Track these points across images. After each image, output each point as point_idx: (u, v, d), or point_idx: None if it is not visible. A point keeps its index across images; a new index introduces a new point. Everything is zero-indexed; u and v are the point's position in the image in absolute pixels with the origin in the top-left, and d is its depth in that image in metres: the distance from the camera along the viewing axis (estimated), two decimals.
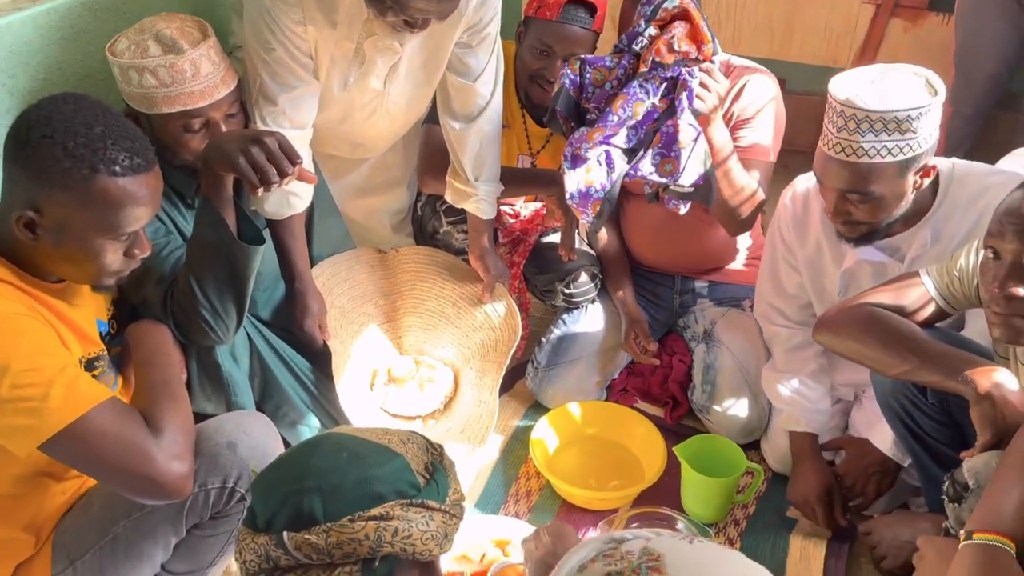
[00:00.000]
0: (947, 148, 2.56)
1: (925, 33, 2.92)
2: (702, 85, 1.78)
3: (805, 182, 1.82)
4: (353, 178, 2.18)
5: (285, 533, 0.85)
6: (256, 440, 1.32)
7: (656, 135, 1.83)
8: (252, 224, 1.51)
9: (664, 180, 1.84)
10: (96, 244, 1.23)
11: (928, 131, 1.52)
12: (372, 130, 1.99)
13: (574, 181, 1.85)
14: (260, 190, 1.40)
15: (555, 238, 2.24)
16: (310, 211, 1.87)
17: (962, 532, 1.18)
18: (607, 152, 1.85)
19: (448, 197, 2.05)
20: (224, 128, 1.55)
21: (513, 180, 2.08)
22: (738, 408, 2.01)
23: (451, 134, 1.94)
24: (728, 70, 1.98)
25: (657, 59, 1.77)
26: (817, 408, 1.88)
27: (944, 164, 1.66)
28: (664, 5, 1.78)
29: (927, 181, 1.59)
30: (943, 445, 1.53)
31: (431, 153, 2.10)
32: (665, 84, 1.80)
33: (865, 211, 1.59)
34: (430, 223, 2.24)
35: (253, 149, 1.38)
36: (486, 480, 1.97)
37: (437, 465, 0.96)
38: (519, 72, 2.11)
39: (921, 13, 2.92)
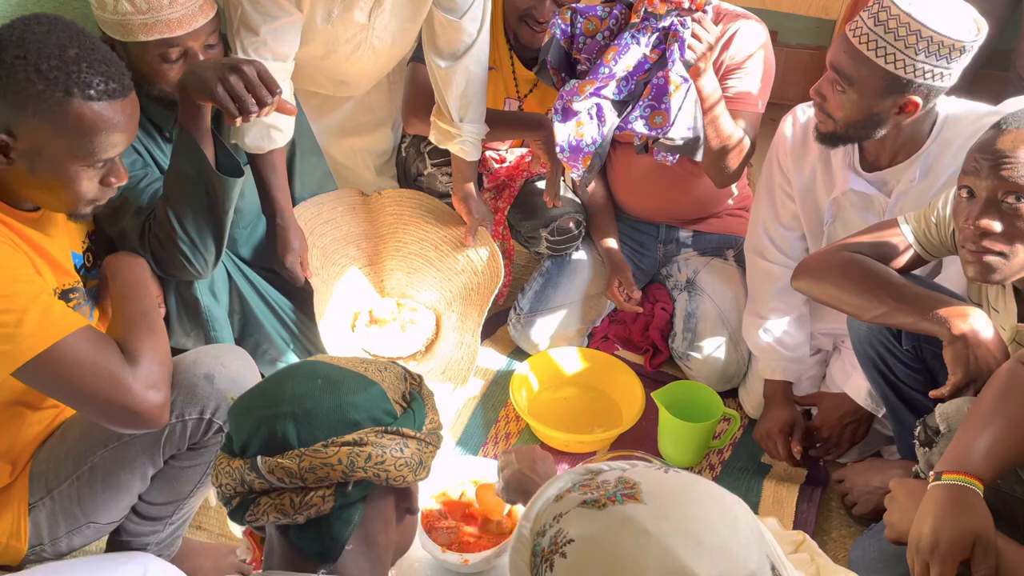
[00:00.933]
0: None
1: None
2: (694, 35, 1.76)
3: (805, 110, 1.81)
4: (336, 117, 2.14)
5: (259, 458, 0.85)
6: (234, 372, 1.31)
7: (647, 87, 1.82)
8: (231, 155, 1.48)
9: (653, 133, 1.83)
10: (71, 171, 1.20)
11: (933, 69, 1.48)
12: (356, 66, 1.95)
13: (564, 134, 1.84)
14: (239, 120, 1.37)
15: (541, 184, 2.22)
16: (292, 149, 1.85)
17: (931, 473, 1.21)
18: (598, 105, 1.84)
19: (432, 137, 2.02)
20: (203, 58, 1.51)
21: (499, 123, 2.05)
22: (717, 355, 2.03)
23: (436, 72, 1.91)
24: (718, 16, 1.96)
25: (650, 9, 1.75)
26: (794, 357, 1.90)
27: (944, 106, 1.64)
28: None
29: (906, 119, 1.57)
30: (916, 392, 1.55)
31: (417, 92, 2.07)
32: (657, 35, 1.78)
33: (835, 101, 1.58)
34: (414, 165, 2.22)
35: (231, 77, 1.34)
36: (466, 422, 1.99)
37: (415, 395, 0.96)
38: (507, 12, 2.07)
39: None
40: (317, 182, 2.00)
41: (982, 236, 1.28)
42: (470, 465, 1.73)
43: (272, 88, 1.37)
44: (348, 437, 0.86)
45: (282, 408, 0.87)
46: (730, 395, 2.05)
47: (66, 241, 1.37)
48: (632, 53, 1.77)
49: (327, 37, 1.81)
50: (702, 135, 1.85)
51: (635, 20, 1.78)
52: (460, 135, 1.95)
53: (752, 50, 1.95)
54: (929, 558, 1.13)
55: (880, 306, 1.46)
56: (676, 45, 1.76)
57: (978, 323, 1.34)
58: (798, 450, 1.82)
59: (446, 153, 2.06)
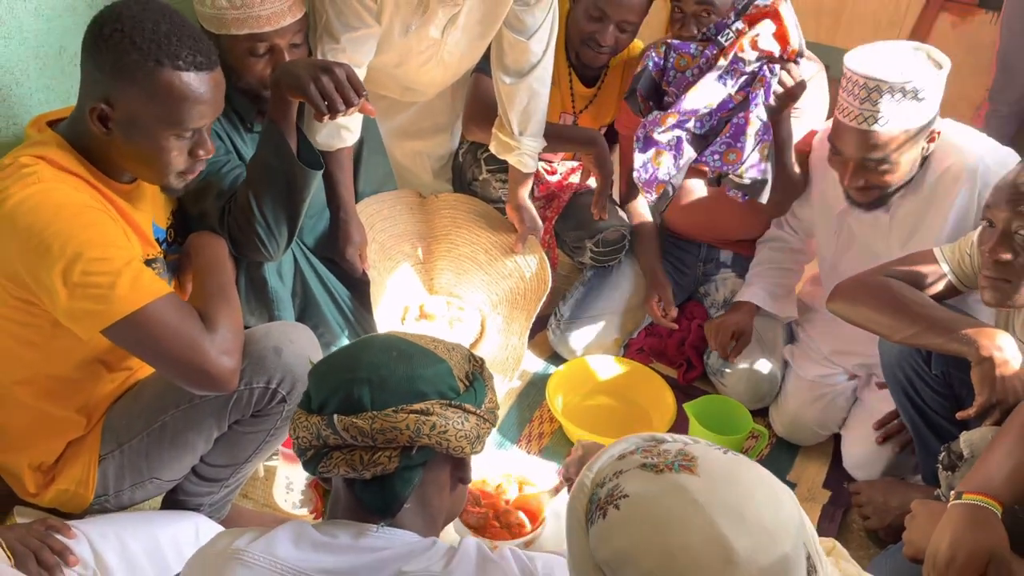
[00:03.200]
0: None
1: (973, 30, 2.93)
2: (781, 83, 1.85)
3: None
4: (401, 120, 2.24)
5: (335, 416, 0.93)
6: (300, 348, 1.40)
7: (727, 125, 1.91)
8: (312, 149, 1.58)
9: (725, 168, 1.92)
10: (162, 138, 1.29)
11: (936, 100, 1.65)
12: (425, 76, 2.06)
13: (642, 161, 1.94)
14: (326, 117, 1.47)
15: (589, 197, 2.30)
16: (359, 147, 1.95)
17: (952, 493, 1.26)
18: (679, 138, 1.93)
19: (492, 148, 2.11)
20: (287, 56, 1.61)
21: (553, 136, 2.13)
22: (751, 374, 2.08)
23: (501, 88, 2.01)
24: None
25: (739, 54, 1.84)
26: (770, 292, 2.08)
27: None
28: (756, 2, 1.84)
29: (932, 146, 1.71)
30: (942, 418, 1.60)
31: (478, 102, 2.17)
32: (744, 78, 1.86)
33: (881, 177, 1.69)
34: (470, 170, 2.31)
35: (323, 77, 1.44)
36: (502, 419, 2.06)
37: (477, 375, 1.03)
38: (570, 32, 2.16)
39: (970, 9, 2.93)
40: (379, 180, 2.10)
41: (995, 264, 1.36)
42: (507, 459, 1.81)
43: (359, 90, 1.47)
44: (416, 406, 0.94)
45: (360, 374, 0.95)
46: (760, 413, 2.11)
47: (150, 215, 1.47)
48: (716, 92, 1.87)
49: (402, 49, 1.91)
50: (770, 179, 1.95)
51: (723, 62, 1.86)
52: (519, 148, 2.04)
53: (816, 96, 2.03)
54: (945, 572, 1.18)
55: (911, 327, 1.52)
56: (761, 90, 1.85)
57: (1005, 346, 1.39)
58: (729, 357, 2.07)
59: (501, 161, 2.15)
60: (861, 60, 1.66)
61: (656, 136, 1.90)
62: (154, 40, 1.23)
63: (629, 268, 2.33)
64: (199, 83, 1.27)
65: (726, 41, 1.87)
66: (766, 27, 1.83)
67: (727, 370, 2.10)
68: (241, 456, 1.48)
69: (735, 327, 2.08)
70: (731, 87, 1.87)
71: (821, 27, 3.08)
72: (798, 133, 2.00)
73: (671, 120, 1.88)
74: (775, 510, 0.77)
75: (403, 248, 2.18)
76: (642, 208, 2.35)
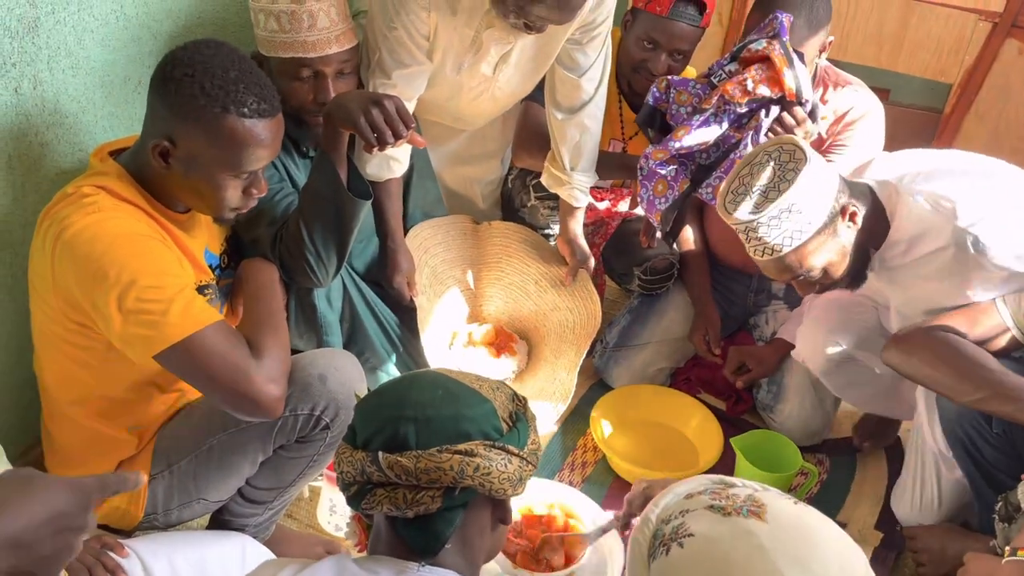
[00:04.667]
0: None
1: None
2: (782, 125, 1.81)
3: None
4: (452, 146, 2.26)
5: (380, 453, 0.94)
6: (345, 376, 1.42)
7: (726, 159, 1.90)
8: (361, 179, 1.61)
9: (711, 203, 1.91)
10: (219, 179, 1.33)
11: (818, 194, 1.52)
12: (476, 109, 2.08)
13: (645, 190, 1.96)
14: (375, 149, 1.49)
15: (638, 224, 2.29)
16: (409, 172, 1.97)
17: (1007, 548, 1.21)
18: (677, 170, 1.94)
19: (544, 181, 2.12)
20: (333, 84, 1.64)
21: (602, 164, 2.13)
22: (802, 410, 2.04)
23: (553, 123, 2.02)
24: (823, 82, 2.01)
25: (726, 97, 1.83)
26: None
27: (881, 186, 1.64)
28: (751, 45, 1.82)
29: (859, 217, 1.58)
30: (1003, 473, 1.53)
31: (528, 130, 2.18)
32: (742, 117, 1.85)
33: (824, 280, 1.62)
34: (518, 196, 2.32)
35: (374, 110, 1.47)
36: (544, 448, 2.06)
37: (520, 415, 1.03)
38: (622, 60, 2.16)
39: None
40: (429, 205, 2.12)
41: None
42: (547, 489, 1.80)
43: (408, 122, 1.49)
44: (460, 447, 0.94)
45: (406, 412, 0.95)
46: (809, 450, 2.06)
47: (204, 242, 1.51)
48: (705, 133, 1.86)
49: (453, 84, 1.93)
50: None
51: (708, 106, 1.85)
52: (570, 183, 2.05)
53: (856, 127, 2.00)
54: None
55: (976, 392, 1.44)
56: (752, 132, 1.83)
57: None
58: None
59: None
60: (725, 207, 1.57)
61: (654, 167, 1.92)
62: (222, 87, 1.27)
63: (677, 296, 2.31)
64: (261, 129, 1.31)
65: (717, 81, 1.87)
66: (757, 72, 1.81)
67: (777, 405, 2.06)
68: (286, 480, 1.51)
69: (752, 356, 2.07)
70: (723, 127, 1.86)
71: (883, 52, 3.01)
72: (844, 168, 1.96)
73: (661, 156, 1.90)
74: (842, 565, 0.76)
75: (454, 273, 2.20)
76: (691, 236, 2.33)
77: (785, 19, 1.80)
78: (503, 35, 1.77)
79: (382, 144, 1.49)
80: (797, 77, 1.79)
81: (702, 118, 1.85)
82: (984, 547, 1.46)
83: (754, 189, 1.54)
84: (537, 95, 2.13)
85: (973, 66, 2.93)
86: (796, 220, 1.51)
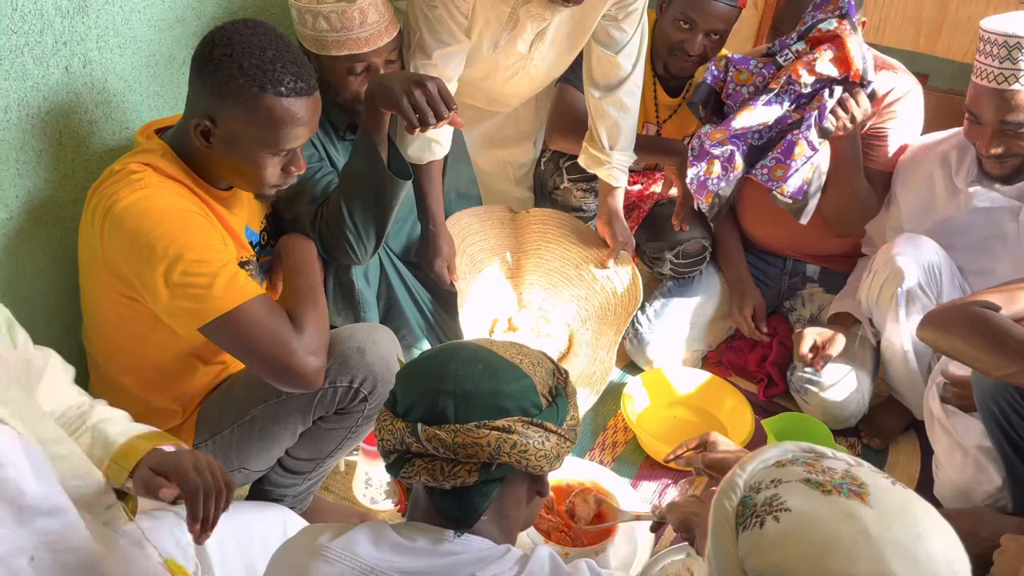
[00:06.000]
0: None
1: None
2: (843, 106, 1.81)
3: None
4: (485, 128, 2.28)
5: (419, 425, 0.94)
6: (383, 350, 1.44)
7: (782, 140, 1.89)
8: (401, 159, 1.63)
9: (769, 184, 1.90)
10: (259, 156, 1.36)
11: None
12: (511, 88, 2.09)
13: (695, 171, 1.95)
14: (418, 129, 1.51)
15: (670, 207, 2.29)
16: (444, 155, 1.99)
17: None
18: (731, 151, 1.93)
19: (582, 162, 2.12)
20: (383, 72, 1.66)
21: (636, 147, 2.13)
22: (838, 394, 2.02)
23: (591, 101, 2.02)
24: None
25: (794, 78, 1.82)
26: None
27: None
28: (820, 25, 1.81)
29: None
30: None
31: (562, 112, 2.19)
32: (802, 97, 1.84)
33: (1017, 144, 1.66)
34: (551, 179, 2.33)
35: (416, 91, 1.49)
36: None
37: (560, 390, 1.02)
38: (657, 42, 2.16)
39: None
40: (463, 187, 2.14)
41: None
42: (583, 468, 1.82)
43: (450, 104, 1.51)
44: (499, 423, 0.94)
45: (445, 386, 0.95)
46: (843, 434, 2.05)
47: (244, 219, 1.55)
48: (767, 113, 1.85)
49: (490, 63, 1.95)
50: (811, 203, 1.92)
51: (775, 86, 1.84)
52: (610, 162, 2.05)
53: (897, 108, 1.99)
54: None
55: (1010, 365, 1.43)
56: (815, 112, 1.82)
57: None
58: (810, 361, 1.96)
59: (583, 170, 2.16)
60: (999, 20, 1.63)
61: (709, 148, 1.91)
62: (260, 67, 1.30)
63: (709, 280, 2.31)
64: (298, 107, 1.34)
65: (784, 61, 1.86)
66: (826, 52, 1.80)
67: (812, 389, 2.05)
68: (324, 451, 1.54)
69: (820, 335, 1.99)
70: (785, 107, 1.86)
71: (921, 36, 2.97)
72: (884, 151, 1.96)
73: (720, 136, 1.89)
74: (949, 559, 0.74)
75: (493, 261, 2.20)
76: (730, 246, 2.31)
77: None
78: (539, 11, 1.78)
79: (424, 125, 1.50)
80: (864, 58, 1.79)
81: (767, 97, 1.84)
82: (1018, 529, 1.46)
83: None
84: (571, 77, 2.14)
85: None
86: None
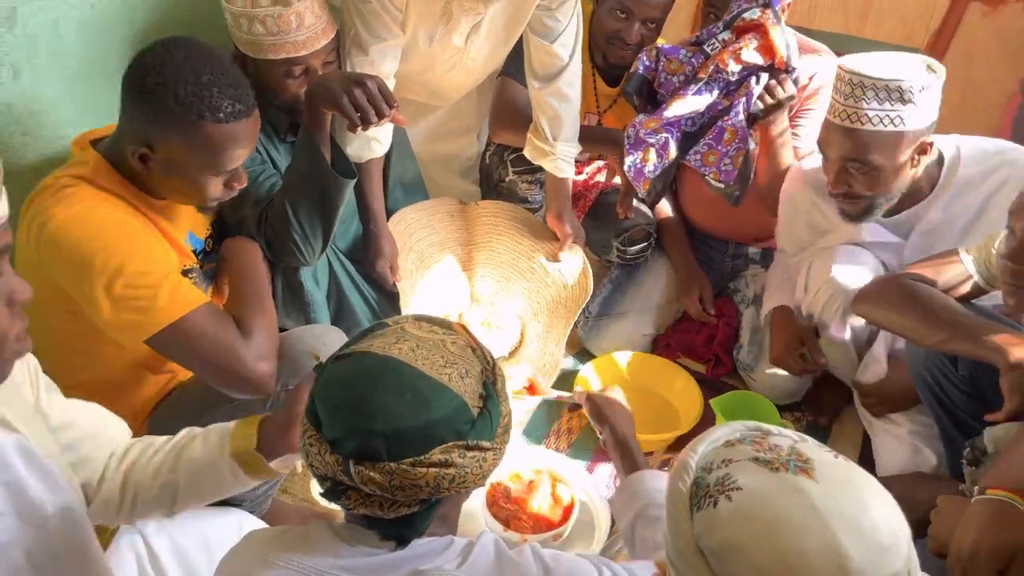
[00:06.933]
0: (1013, 138, 2.56)
1: (1004, 20, 2.88)
2: (769, 92, 1.87)
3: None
4: (427, 123, 2.29)
5: (352, 466, 0.88)
6: (332, 351, 1.43)
7: (713, 126, 1.94)
8: (345, 159, 1.63)
9: (701, 170, 1.97)
10: (200, 178, 1.35)
11: (927, 108, 1.61)
12: (450, 82, 2.10)
13: (631, 159, 1.99)
14: (359, 128, 1.51)
15: (614, 196, 2.33)
16: (387, 151, 1.99)
17: (976, 488, 1.27)
18: (666, 139, 1.98)
19: (527, 153, 2.14)
20: (322, 73, 1.66)
21: (582, 137, 2.15)
22: (783, 370, 2.06)
23: (532, 93, 2.04)
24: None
25: (721, 66, 1.87)
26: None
27: (948, 144, 1.72)
28: (743, 15, 1.86)
29: (924, 160, 1.66)
30: (968, 416, 1.60)
31: (504, 105, 2.20)
32: (731, 85, 1.89)
33: (864, 182, 1.67)
34: (497, 172, 2.35)
35: (356, 90, 1.49)
36: (531, 414, 2.10)
37: (491, 389, 0.97)
38: (594, 32, 2.19)
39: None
40: (409, 182, 2.14)
41: (1015, 274, 1.35)
42: (540, 454, 1.85)
43: (390, 102, 1.52)
44: (435, 457, 0.89)
45: (374, 425, 0.88)
46: (787, 409, 2.12)
47: (189, 227, 1.53)
48: (697, 102, 1.90)
49: (427, 57, 1.95)
50: (741, 190, 1.96)
51: (703, 75, 1.89)
52: (554, 153, 2.07)
53: (821, 93, 2.05)
54: (969, 567, 1.19)
55: (939, 333, 1.51)
56: (743, 100, 1.87)
57: None
58: (823, 362, 1.91)
59: (528, 162, 2.18)
60: (853, 60, 1.64)
61: (643, 136, 1.96)
62: (196, 94, 1.27)
63: (656, 265, 2.36)
64: (238, 130, 1.32)
65: (711, 51, 1.91)
66: (751, 41, 1.85)
67: (759, 367, 2.11)
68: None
69: (799, 335, 1.96)
70: (714, 94, 1.91)
71: (849, 19, 3.05)
72: (811, 131, 2.02)
73: (653, 125, 1.94)
74: (890, 526, 0.77)
75: (443, 256, 2.20)
76: (667, 204, 2.37)
77: None
78: (472, 4, 1.79)
79: (365, 124, 1.51)
80: (788, 45, 1.84)
81: (696, 87, 1.88)
82: (953, 491, 1.53)
83: (893, 61, 1.61)
84: (512, 71, 2.16)
85: (939, 31, 2.98)
86: (900, 109, 1.58)
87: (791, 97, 1.90)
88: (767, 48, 1.84)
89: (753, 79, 1.86)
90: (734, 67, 1.86)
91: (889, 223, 1.79)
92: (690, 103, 1.90)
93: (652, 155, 1.99)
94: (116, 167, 1.37)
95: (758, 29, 1.85)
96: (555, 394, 1.90)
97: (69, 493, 0.99)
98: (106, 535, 1.49)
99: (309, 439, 0.92)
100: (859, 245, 1.87)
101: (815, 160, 1.88)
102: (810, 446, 0.83)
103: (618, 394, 1.54)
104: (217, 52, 1.35)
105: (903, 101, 1.58)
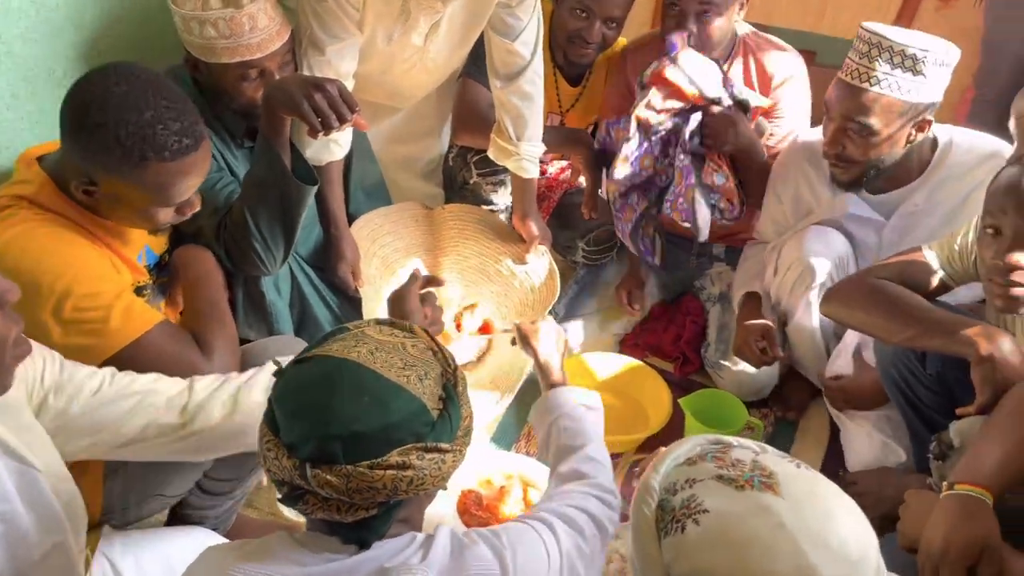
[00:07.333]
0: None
1: (957, 14, 2.94)
2: (706, 125, 1.93)
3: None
4: (388, 125, 2.25)
5: (308, 469, 0.88)
6: None
7: (670, 174, 2.03)
8: (306, 164, 1.60)
9: (672, 215, 2.04)
10: (150, 211, 1.31)
11: (936, 85, 1.65)
12: (410, 81, 2.07)
13: (623, 227, 2.13)
14: (320, 134, 1.48)
15: (579, 196, 2.32)
16: (348, 154, 1.96)
17: (944, 483, 1.28)
18: (637, 195, 2.09)
19: (491, 154, 2.11)
20: (278, 76, 1.62)
21: (545, 138, 2.14)
22: (749, 367, 2.08)
23: (495, 92, 2.02)
24: (748, 48, 2.06)
25: (640, 122, 1.96)
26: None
27: (943, 132, 1.75)
28: (647, 71, 1.95)
29: (921, 136, 1.70)
30: (936, 413, 1.62)
31: (466, 107, 2.18)
32: (667, 134, 1.98)
33: (859, 145, 1.70)
34: (460, 174, 2.32)
35: (316, 95, 1.45)
36: (501, 419, 2.09)
37: (451, 391, 0.96)
38: (555, 31, 2.17)
39: None
40: (371, 185, 2.11)
41: (1010, 271, 1.34)
42: (510, 459, 1.83)
43: (352, 105, 1.48)
44: (392, 460, 0.89)
45: (331, 429, 0.88)
46: (755, 405, 2.13)
47: (142, 243, 1.48)
48: (640, 158, 2.00)
49: (385, 57, 1.92)
50: (700, 220, 2.01)
51: (629, 135, 1.97)
52: (518, 153, 2.05)
53: (787, 88, 2.08)
54: (939, 563, 1.20)
55: (908, 329, 1.52)
56: (679, 143, 1.95)
57: (1005, 345, 1.39)
58: (781, 355, 1.95)
59: (492, 164, 2.16)
60: (878, 24, 1.69)
61: (617, 204, 2.08)
62: (138, 134, 1.22)
63: (621, 265, 2.36)
64: (187, 165, 1.28)
65: (633, 109, 1.97)
66: (654, 95, 1.93)
67: (726, 364, 2.12)
68: (244, 470, 1.50)
69: (760, 329, 1.98)
70: (657, 148, 1.99)
71: (808, 14, 3.08)
72: (780, 135, 2.04)
73: (614, 189, 2.04)
74: (858, 538, 0.77)
75: (408, 261, 2.17)
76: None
77: (676, 38, 1.91)
78: (430, 2, 1.77)
79: (327, 129, 1.47)
80: (694, 83, 1.89)
81: (631, 146, 1.97)
82: (920, 485, 1.54)
83: (914, 32, 1.67)
84: (473, 71, 2.13)
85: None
86: (910, 79, 1.62)
87: (727, 121, 1.93)
88: (676, 92, 1.92)
89: (687, 120, 1.94)
90: (656, 119, 1.94)
91: (874, 201, 1.82)
92: (632, 162, 1.99)
93: (631, 213, 2.09)
94: (62, 187, 1.31)
95: (659, 79, 1.91)
96: (503, 328, 1.91)
97: (63, 527, 0.95)
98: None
99: (267, 444, 0.92)
100: (834, 227, 1.90)
101: (815, 132, 1.92)
102: (772, 457, 0.82)
103: (550, 324, 1.57)
104: (161, 80, 1.28)
105: (915, 71, 1.62)
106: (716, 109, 1.92)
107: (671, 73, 1.90)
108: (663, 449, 0.88)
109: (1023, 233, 1.33)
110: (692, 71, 1.90)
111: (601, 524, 1.13)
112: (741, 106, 1.96)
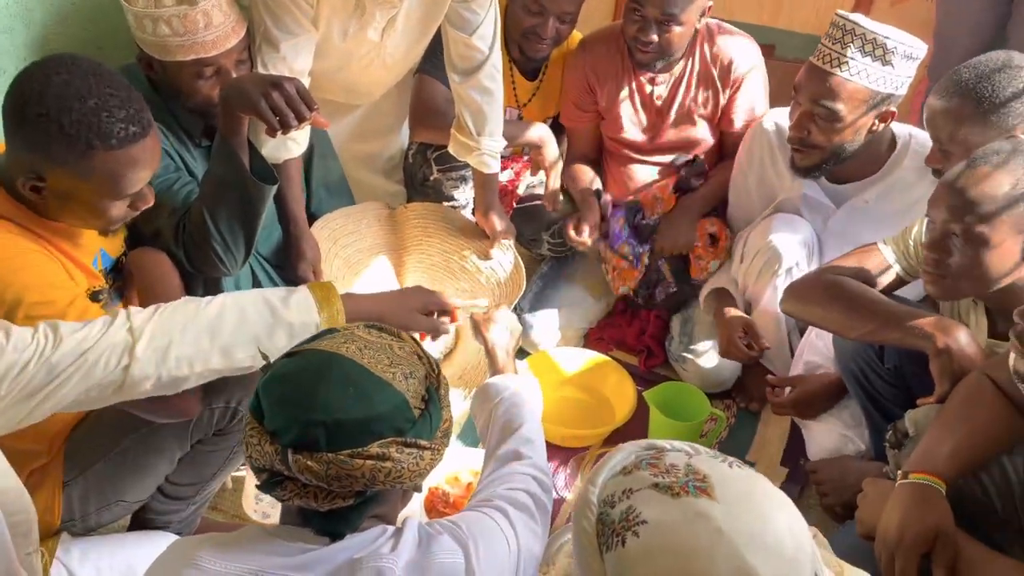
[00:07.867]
0: (920, 122, 2.65)
1: (910, 8, 2.99)
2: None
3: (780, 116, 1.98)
4: (347, 123, 2.23)
5: (290, 455, 0.90)
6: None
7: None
8: (265, 163, 1.58)
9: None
10: (100, 205, 1.28)
11: (902, 77, 1.70)
12: (368, 78, 2.05)
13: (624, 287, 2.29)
14: (278, 133, 1.46)
15: (541, 190, 2.32)
16: (309, 152, 1.94)
17: (899, 473, 1.31)
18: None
19: (452, 150, 2.10)
20: (234, 74, 1.60)
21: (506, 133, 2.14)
22: (712, 359, 2.12)
23: (454, 88, 2.01)
24: (704, 35, 2.10)
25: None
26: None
27: (903, 130, 1.78)
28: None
29: (883, 127, 1.74)
30: (894, 405, 1.65)
31: (422, 103, 2.17)
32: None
33: (823, 130, 1.74)
34: (420, 171, 2.30)
35: (274, 93, 1.43)
36: (467, 416, 2.08)
37: (433, 393, 0.99)
38: (510, 27, 2.16)
39: None
40: (333, 182, 2.09)
41: (935, 263, 1.40)
42: (477, 457, 1.83)
43: (310, 104, 1.47)
44: (372, 450, 0.91)
45: (315, 415, 0.90)
46: (718, 397, 2.16)
47: (96, 247, 1.45)
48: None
49: (342, 53, 1.90)
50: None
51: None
52: (479, 148, 2.04)
53: (747, 72, 2.10)
54: (895, 550, 1.23)
55: (866, 324, 1.54)
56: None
57: (962, 337, 1.42)
58: (765, 346, 1.96)
59: (452, 160, 2.15)
60: (853, 13, 1.72)
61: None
62: (82, 122, 1.19)
63: (585, 259, 2.36)
64: (136, 153, 1.25)
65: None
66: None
67: (689, 357, 2.14)
68: (207, 473, 1.49)
69: (741, 324, 1.99)
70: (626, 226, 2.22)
71: (764, 10, 3.12)
72: (742, 108, 2.11)
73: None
74: (793, 534, 0.78)
75: (372, 261, 2.15)
76: (587, 176, 2.33)
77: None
78: None
79: (285, 128, 1.46)
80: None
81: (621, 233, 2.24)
82: (878, 473, 1.57)
83: (889, 26, 1.69)
84: (429, 68, 2.12)
85: None
86: (879, 69, 1.66)
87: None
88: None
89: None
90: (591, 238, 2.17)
91: (829, 189, 1.86)
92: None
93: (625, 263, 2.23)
94: (8, 189, 1.28)
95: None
96: (465, 315, 1.81)
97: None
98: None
99: (250, 431, 0.94)
100: (795, 214, 1.94)
101: (780, 113, 1.96)
102: (705, 459, 0.83)
103: (503, 313, 1.63)
104: (103, 68, 1.25)
105: (884, 61, 1.66)
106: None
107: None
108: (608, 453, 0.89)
109: (947, 227, 1.38)
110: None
111: (542, 503, 1.18)
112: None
